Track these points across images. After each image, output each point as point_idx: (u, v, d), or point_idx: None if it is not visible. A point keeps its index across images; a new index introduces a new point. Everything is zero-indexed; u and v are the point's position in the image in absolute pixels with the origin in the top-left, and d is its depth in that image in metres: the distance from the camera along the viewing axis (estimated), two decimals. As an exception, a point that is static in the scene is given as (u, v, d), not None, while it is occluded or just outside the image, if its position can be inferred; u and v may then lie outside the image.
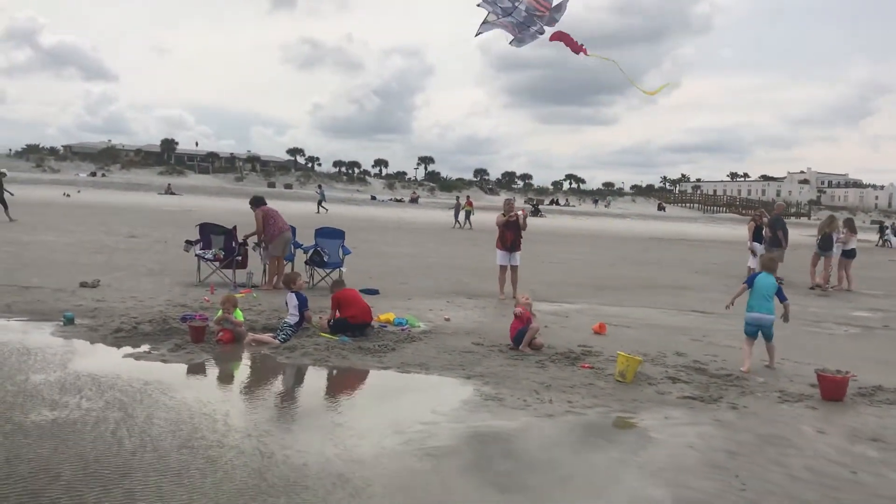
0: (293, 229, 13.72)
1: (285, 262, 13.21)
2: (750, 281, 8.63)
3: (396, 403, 6.59)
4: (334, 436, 5.52)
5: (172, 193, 59.64)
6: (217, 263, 13.09)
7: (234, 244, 13.20)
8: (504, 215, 13.81)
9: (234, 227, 13.42)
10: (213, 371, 7.48)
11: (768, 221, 19.92)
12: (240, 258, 13.17)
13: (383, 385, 7.19)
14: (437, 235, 33.37)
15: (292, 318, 9.01)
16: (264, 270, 13.45)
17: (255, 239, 13.12)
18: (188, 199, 53.83)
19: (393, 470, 4.93)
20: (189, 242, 13.16)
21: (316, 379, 7.44)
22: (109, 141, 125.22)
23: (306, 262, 13.44)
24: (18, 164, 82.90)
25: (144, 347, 8.18)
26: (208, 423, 5.63)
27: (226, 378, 7.35)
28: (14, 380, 6.47)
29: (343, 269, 13.48)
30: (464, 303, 12.78)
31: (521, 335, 8.69)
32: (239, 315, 8.99)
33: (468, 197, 49.99)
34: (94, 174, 79.71)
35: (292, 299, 9.10)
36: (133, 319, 9.30)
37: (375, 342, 8.83)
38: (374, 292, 13.31)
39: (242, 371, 7.60)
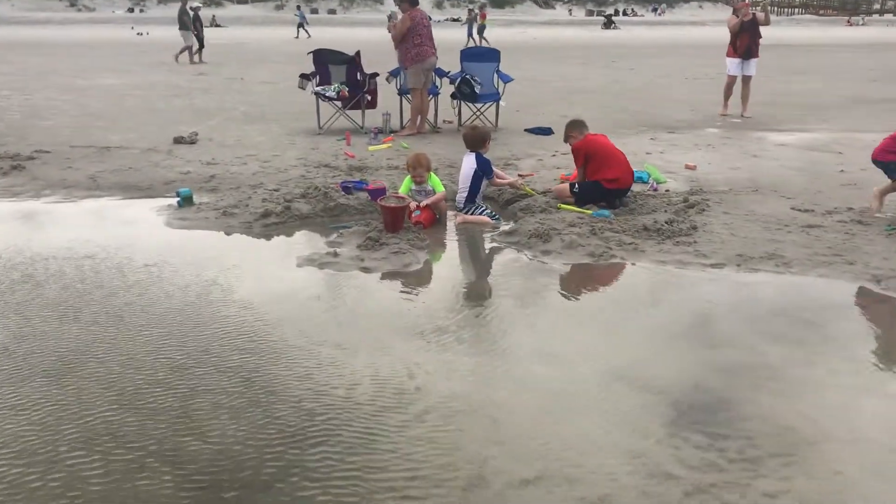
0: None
1: (429, 97, 9.82)
2: None
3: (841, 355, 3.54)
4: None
5: (218, 25, 55.26)
6: (340, 103, 9.76)
7: (359, 76, 9.81)
8: (737, 16, 10.55)
9: (358, 53, 10.00)
10: (472, 289, 4.59)
11: None
12: (369, 95, 9.83)
13: (755, 308, 4.20)
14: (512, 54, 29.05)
15: (461, 192, 5.91)
16: (401, 109, 10.15)
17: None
18: (236, 31, 49.60)
19: None
20: (305, 77, 9.86)
21: (639, 297, 4.52)
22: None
23: (452, 96, 10.07)
24: (51, 4, 78.31)
25: (316, 242, 5.17)
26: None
27: (511, 306, 4.30)
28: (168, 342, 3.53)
29: (503, 104, 10.11)
30: (675, 139, 9.48)
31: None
32: (436, 183, 5.87)
33: (482, 8, 43.79)
34: (131, 10, 74.94)
35: (468, 162, 5.86)
36: (276, 194, 6.26)
37: (647, 215, 5.69)
38: (546, 132, 10.05)
39: (512, 288, 4.64)
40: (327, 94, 9.78)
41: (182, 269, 4.66)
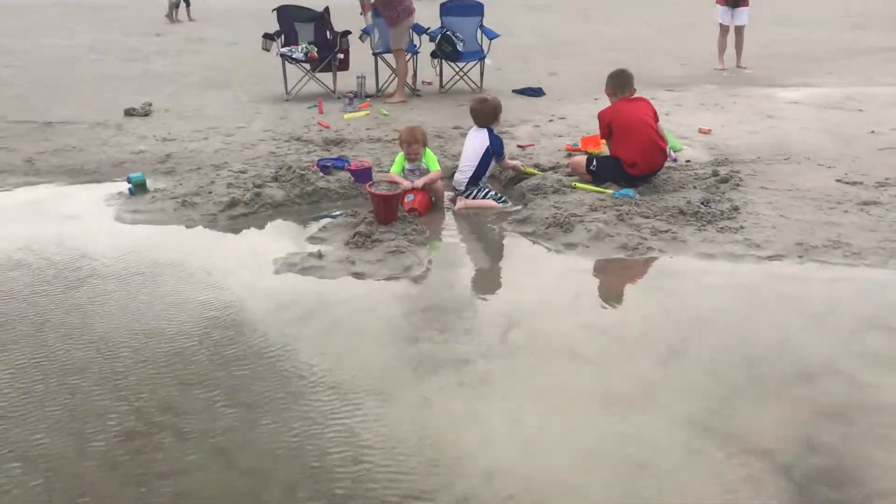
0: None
1: (407, 55, 8.86)
2: None
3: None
4: None
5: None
6: (309, 65, 8.77)
7: (328, 35, 8.82)
8: None
9: (326, 10, 8.99)
10: (493, 302, 3.80)
11: None
12: (341, 56, 8.84)
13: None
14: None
15: (465, 172, 5.00)
16: (377, 70, 9.18)
17: (367, 14, 8.63)
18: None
19: None
20: (268, 37, 8.84)
21: (694, 306, 3.72)
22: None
23: (432, 55, 9.13)
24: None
25: (295, 238, 4.35)
26: None
27: (545, 324, 3.49)
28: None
29: (489, 62, 9.19)
30: (678, 98, 8.71)
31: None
32: (431, 160, 5.01)
33: None
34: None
35: (477, 138, 5.00)
36: (243, 177, 5.37)
37: (676, 193, 4.96)
38: (537, 92, 9.21)
39: (541, 297, 3.85)
40: (294, 56, 8.79)
41: (133, 283, 3.80)
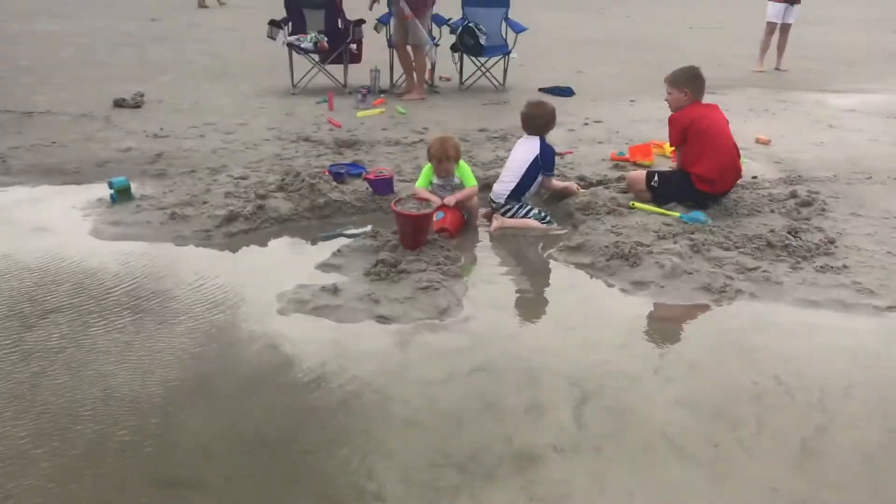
0: None
1: (427, 48, 8.04)
2: None
3: None
4: None
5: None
6: (318, 56, 7.98)
7: (340, 23, 8.02)
8: None
9: (339, -7, 8.19)
10: (555, 364, 3.03)
11: None
12: (354, 47, 8.04)
13: None
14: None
15: (506, 183, 4.20)
16: (392, 64, 8.37)
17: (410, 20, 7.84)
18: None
19: None
20: (275, 24, 8.00)
21: (817, 381, 2.96)
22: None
23: (453, 48, 8.31)
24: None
25: (304, 264, 3.57)
26: None
27: (626, 400, 2.75)
28: None
29: (514, 56, 8.39)
30: (724, 103, 7.77)
31: None
32: (466, 174, 4.21)
33: None
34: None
35: (527, 147, 4.23)
36: (244, 184, 4.62)
37: (753, 219, 4.18)
38: (566, 92, 8.41)
39: (617, 360, 3.13)
40: (303, 46, 8.00)
41: (101, 327, 2.99)
